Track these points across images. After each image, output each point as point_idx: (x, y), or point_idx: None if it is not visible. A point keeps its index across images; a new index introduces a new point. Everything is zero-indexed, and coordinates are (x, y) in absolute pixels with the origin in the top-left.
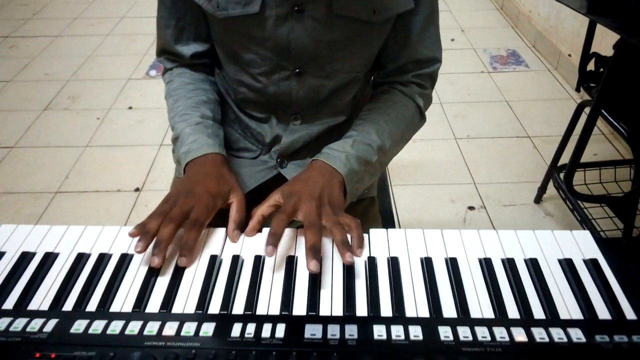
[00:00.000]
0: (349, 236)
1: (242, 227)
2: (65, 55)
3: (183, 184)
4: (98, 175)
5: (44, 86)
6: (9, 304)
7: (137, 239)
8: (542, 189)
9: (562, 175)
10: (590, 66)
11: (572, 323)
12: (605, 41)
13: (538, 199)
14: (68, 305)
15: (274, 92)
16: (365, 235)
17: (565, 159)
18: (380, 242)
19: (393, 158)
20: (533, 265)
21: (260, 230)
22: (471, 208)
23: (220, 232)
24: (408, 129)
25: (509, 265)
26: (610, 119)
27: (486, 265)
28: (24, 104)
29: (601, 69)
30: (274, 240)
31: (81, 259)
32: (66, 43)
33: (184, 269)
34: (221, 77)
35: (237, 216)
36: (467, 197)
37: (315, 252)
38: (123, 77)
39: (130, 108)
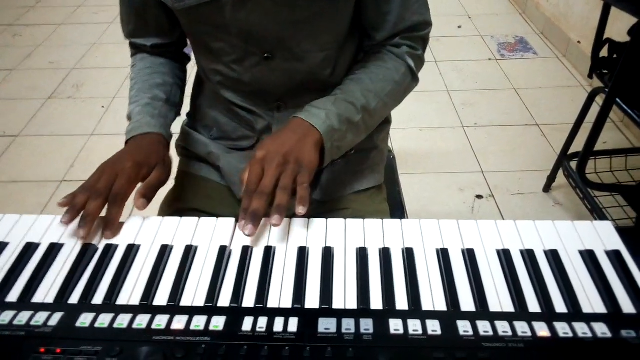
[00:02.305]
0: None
1: (148, 199)
2: (69, 44)
3: (114, 155)
4: None
5: (49, 75)
6: (13, 296)
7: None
8: (552, 178)
9: (572, 163)
10: (603, 52)
11: (596, 317)
12: (616, 27)
13: (547, 188)
14: (74, 298)
15: (249, 80)
16: (379, 225)
17: (575, 147)
18: (394, 233)
19: (380, 119)
20: (553, 256)
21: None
22: (479, 197)
23: (230, 222)
24: (398, 89)
25: (529, 256)
26: (624, 107)
27: (504, 256)
28: (29, 92)
29: (614, 56)
30: (252, 220)
31: (87, 250)
32: (70, 31)
33: (192, 260)
34: (202, 68)
35: (143, 191)
36: (475, 185)
37: (254, 217)
38: (128, 65)
39: None
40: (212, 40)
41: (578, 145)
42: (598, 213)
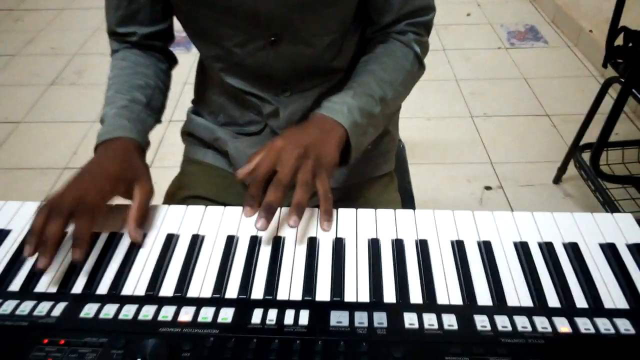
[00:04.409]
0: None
1: (142, 225)
2: (71, 29)
3: (81, 168)
4: None
5: (50, 60)
6: (15, 285)
7: None
8: (562, 169)
9: (584, 155)
10: (617, 41)
11: (618, 313)
12: (630, 15)
13: (557, 180)
14: (77, 288)
15: (252, 64)
16: (391, 216)
17: (586, 138)
18: (407, 224)
19: (395, 109)
20: (573, 249)
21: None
22: (488, 188)
23: (237, 210)
24: (408, 78)
25: (547, 249)
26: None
27: (522, 249)
28: (30, 78)
29: (630, 44)
30: (251, 202)
31: (91, 238)
32: (72, 16)
33: (199, 249)
34: (203, 56)
35: (137, 214)
36: (483, 176)
37: (268, 210)
38: None
39: None
40: (213, 25)
41: (589, 137)
42: (610, 205)
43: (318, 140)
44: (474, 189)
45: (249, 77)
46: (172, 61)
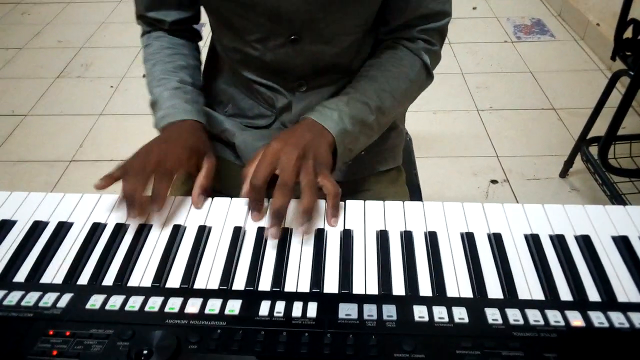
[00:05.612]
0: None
1: (208, 194)
2: (78, 22)
3: (156, 138)
4: (113, 143)
5: (57, 53)
6: (21, 276)
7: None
8: (569, 163)
9: (591, 148)
10: (626, 34)
11: (632, 306)
12: (639, 9)
13: (564, 173)
14: (83, 279)
15: (271, 59)
16: (400, 208)
17: (594, 132)
18: (416, 216)
19: (394, 117)
20: (585, 242)
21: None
22: (494, 182)
23: (244, 202)
24: (412, 88)
25: (559, 242)
26: None
27: (533, 241)
28: (37, 71)
29: (639, 37)
30: (257, 206)
31: (97, 229)
32: (78, 9)
33: (206, 241)
34: (221, 45)
35: (205, 181)
36: (489, 170)
37: (277, 217)
38: (136, 45)
39: (145, 76)
40: (235, 18)
41: (596, 131)
42: (617, 199)
43: (313, 142)
44: (480, 182)
45: (266, 71)
46: (198, 37)
